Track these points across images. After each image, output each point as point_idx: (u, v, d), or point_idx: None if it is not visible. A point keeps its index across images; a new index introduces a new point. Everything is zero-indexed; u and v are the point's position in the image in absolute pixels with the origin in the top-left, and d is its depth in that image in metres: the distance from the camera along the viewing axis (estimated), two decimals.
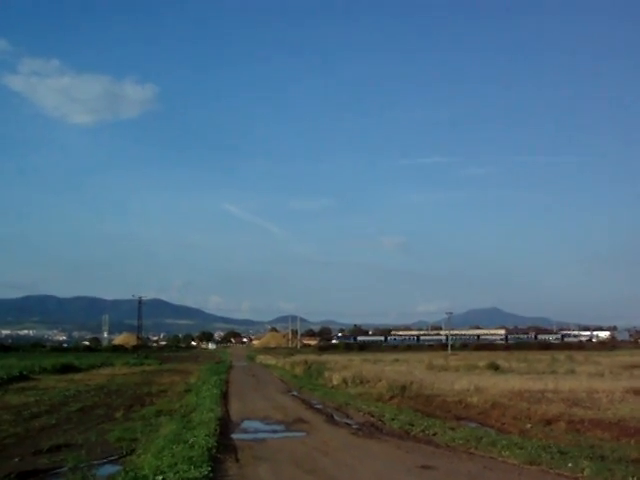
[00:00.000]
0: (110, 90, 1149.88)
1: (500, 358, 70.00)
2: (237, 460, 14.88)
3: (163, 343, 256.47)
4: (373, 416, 23.70)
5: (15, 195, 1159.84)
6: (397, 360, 70.63)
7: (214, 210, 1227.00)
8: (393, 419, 22.25)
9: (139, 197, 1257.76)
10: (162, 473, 12.09)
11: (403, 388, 32.72)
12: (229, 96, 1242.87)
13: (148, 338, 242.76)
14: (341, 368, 49.01)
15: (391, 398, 31.09)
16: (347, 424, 22.18)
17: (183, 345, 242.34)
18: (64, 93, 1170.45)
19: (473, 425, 22.37)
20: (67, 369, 60.07)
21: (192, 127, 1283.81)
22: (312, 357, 78.29)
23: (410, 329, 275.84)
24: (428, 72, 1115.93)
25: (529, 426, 21.51)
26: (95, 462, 14.89)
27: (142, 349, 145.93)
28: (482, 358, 72.08)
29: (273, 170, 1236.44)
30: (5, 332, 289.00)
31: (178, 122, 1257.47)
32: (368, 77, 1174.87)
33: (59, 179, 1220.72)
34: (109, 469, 14.16)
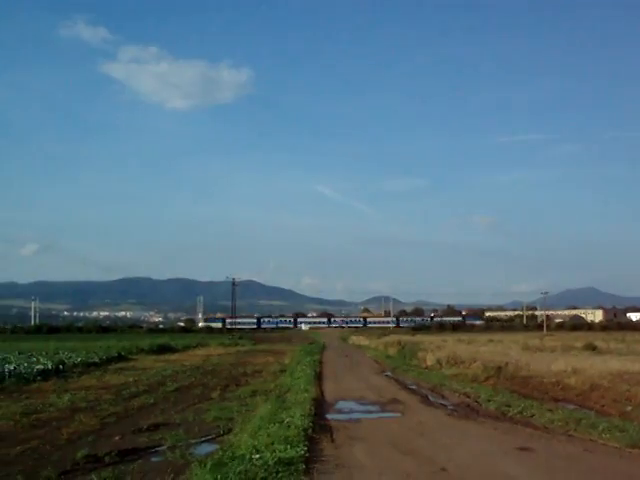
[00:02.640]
0: (206, 75, 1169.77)
1: (598, 339, 68.35)
2: (333, 440, 14.89)
3: None
4: (469, 397, 23.46)
5: (112, 180, 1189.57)
6: (491, 340, 69.69)
7: (307, 192, 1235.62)
8: (489, 400, 21.97)
9: (233, 180, 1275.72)
10: (259, 452, 12.16)
11: (498, 369, 32.31)
12: (321, 79, 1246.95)
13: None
14: (435, 349, 48.61)
15: (486, 379, 30.75)
16: (442, 405, 22.01)
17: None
18: (161, 79, 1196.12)
19: (571, 407, 21.92)
20: (163, 350, 61.20)
21: (285, 110, 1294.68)
22: (405, 338, 77.95)
23: (504, 309, 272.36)
24: (518, 49, 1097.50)
25: (630, 408, 20.94)
26: (193, 441, 15.07)
27: (236, 330, 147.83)
28: (578, 339, 70.57)
29: (365, 151, 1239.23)
30: (103, 314, 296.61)
31: (272, 105, 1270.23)
32: (458, 56, 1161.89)
33: (155, 163, 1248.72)
34: (207, 448, 14.31)
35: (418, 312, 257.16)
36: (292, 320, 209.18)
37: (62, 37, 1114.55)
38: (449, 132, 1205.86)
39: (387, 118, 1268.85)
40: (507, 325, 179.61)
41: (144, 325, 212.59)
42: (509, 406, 20.33)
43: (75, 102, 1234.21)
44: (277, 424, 15.54)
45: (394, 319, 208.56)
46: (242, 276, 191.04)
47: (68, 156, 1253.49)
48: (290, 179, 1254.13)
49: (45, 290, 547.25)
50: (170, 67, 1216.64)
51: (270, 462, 11.48)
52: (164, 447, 14.34)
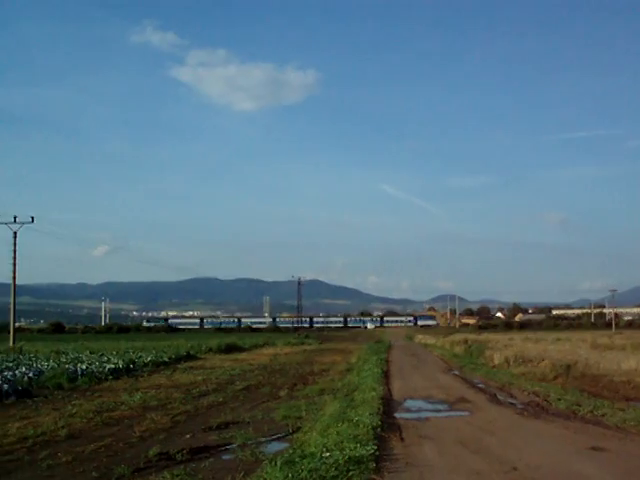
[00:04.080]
0: (273, 77, 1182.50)
1: None
2: (402, 439, 14.84)
3: None
4: (538, 396, 23.14)
5: (181, 181, 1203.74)
6: (559, 339, 68.77)
7: (372, 191, 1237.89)
8: (559, 399, 21.64)
9: (299, 180, 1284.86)
10: (329, 451, 12.18)
11: (567, 367, 31.83)
12: (386, 78, 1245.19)
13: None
14: (502, 347, 48.15)
15: (555, 378, 30.31)
16: (511, 404, 21.77)
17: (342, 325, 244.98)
18: (229, 82, 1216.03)
19: None
20: (231, 349, 61.72)
21: (350, 110, 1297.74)
22: (472, 336, 77.40)
23: (571, 307, 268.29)
24: (587, 44, 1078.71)
25: None
26: (262, 439, 15.17)
27: (302, 329, 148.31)
28: None
29: (429, 149, 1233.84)
30: (171, 313, 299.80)
31: (337, 106, 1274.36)
32: (521, 53, 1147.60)
33: (223, 164, 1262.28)
34: (276, 446, 14.39)
35: (484, 310, 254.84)
36: (342, 320, 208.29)
37: (132, 43, 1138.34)
38: (516, 128, 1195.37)
39: (452, 115, 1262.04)
40: (575, 323, 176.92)
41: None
42: (579, 405, 20.02)
43: (145, 106, 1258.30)
44: (346, 423, 15.55)
45: (412, 318, 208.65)
46: (307, 275, 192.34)
47: (138, 158, 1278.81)
48: (355, 178, 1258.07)
49: (115, 291, 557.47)
50: (238, 70, 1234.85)
51: (340, 460, 11.48)
52: (234, 445, 14.46)
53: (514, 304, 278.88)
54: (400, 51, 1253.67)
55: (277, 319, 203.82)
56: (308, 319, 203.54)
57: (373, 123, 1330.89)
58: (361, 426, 15.08)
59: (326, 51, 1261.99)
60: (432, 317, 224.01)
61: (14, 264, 67.86)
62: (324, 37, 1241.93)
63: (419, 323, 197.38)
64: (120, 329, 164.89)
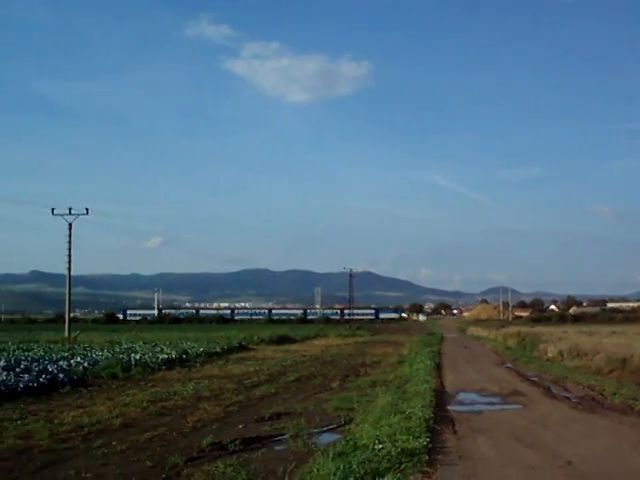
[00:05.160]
0: (326, 69, 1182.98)
1: None
2: (455, 432, 14.75)
3: None
4: (593, 390, 22.82)
5: (233, 173, 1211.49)
6: (614, 332, 67.72)
7: (423, 182, 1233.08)
8: (614, 393, 21.30)
9: (351, 171, 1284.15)
10: (381, 443, 12.11)
11: (623, 361, 31.29)
12: (438, 70, 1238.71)
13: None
14: (555, 340, 47.49)
15: (610, 372, 29.85)
16: (566, 397, 21.51)
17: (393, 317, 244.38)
18: (282, 74, 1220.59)
19: None
20: (283, 340, 61.93)
21: (403, 102, 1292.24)
22: (524, 329, 76.48)
23: (627, 300, 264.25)
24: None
25: None
26: (314, 430, 15.18)
27: (353, 320, 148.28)
28: None
29: (481, 141, 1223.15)
30: (223, 304, 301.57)
31: (390, 97, 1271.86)
32: (576, 43, 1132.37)
33: (275, 156, 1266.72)
34: (328, 437, 14.39)
35: (537, 303, 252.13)
36: (374, 312, 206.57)
37: (187, 36, 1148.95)
38: (567, 119, 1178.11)
39: (504, 107, 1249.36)
40: (630, 316, 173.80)
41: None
42: (635, 399, 19.66)
43: (199, 98, 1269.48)
44: (398, 415, 15.47)
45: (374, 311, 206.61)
46: (359, 267, 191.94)
47: (192, 151, 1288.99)
48: (407, 170, 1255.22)
49: (167, 282, 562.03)
50: (291, 62, 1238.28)
51: (393, 452, 11.42)
52: (286, 436, 14.48)
53: (568, 296, 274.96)
54: (452, 42, 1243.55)
55: (307, 311, 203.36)
56: (339, 311, 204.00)
57: (425, 115, 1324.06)
58: (413, 418, 14.99)
59: (379, 42, 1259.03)
60: (399, 310, 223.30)
61: (69, 255, 68.71)
62: (377, 28, 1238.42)
63: (381, 316, 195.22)
64: (173, 320, 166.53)
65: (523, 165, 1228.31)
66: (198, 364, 34.27)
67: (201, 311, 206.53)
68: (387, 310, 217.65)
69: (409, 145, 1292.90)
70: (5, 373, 24.93)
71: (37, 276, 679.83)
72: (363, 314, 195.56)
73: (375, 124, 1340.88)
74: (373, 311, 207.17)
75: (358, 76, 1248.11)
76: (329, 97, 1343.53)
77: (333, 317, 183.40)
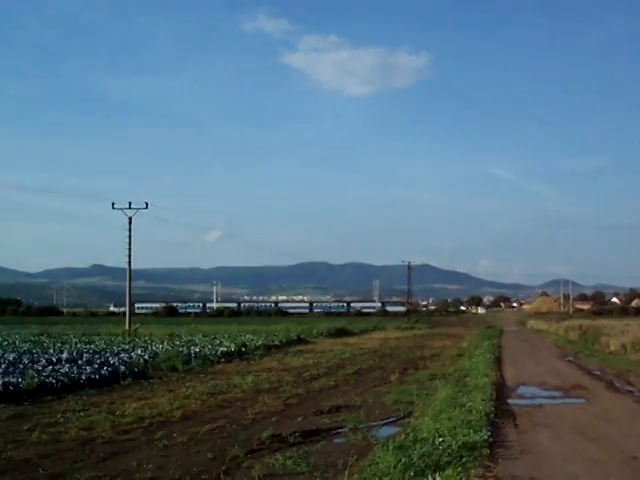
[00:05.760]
0: (384, 61, 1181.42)
1: None
2: (516, 425, 14.58)
3: (432, 307, 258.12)
4: None
5: (291, 166, 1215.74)
6: None
7: (482, 174, 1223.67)
8: None
9: (409, 164, 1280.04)
10: (441, 436, 12.02)
11: None
12: (497, 60, 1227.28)
13: (417, 302, 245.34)
14: (618, 333, 46.72)
15: None
16: (629, 391, 21.18)
17: (452, 310, 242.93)
18: (341, 66, 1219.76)
19: None
20: (341, 333, 61.95)
21: (462, 93, 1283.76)
22: (586, 322, 75.45)
23: None
24: None
25: None
26: (374, 423, 15.12)
27: (412, 313, 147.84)
28: None
29: (542, 131, 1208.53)
30: (281, 297, 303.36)
31: (449, 89, 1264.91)
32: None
33: (333, 149, 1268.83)
34: (388, 430, 14.33)
35: (598, 296, 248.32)
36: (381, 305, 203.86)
37: (245, 30, 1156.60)
38: (634, 108, 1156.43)
39: (565, 96, 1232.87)
40: None
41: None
42: None
43: (257, 92, 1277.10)
44: (458, 408, 15.36)
45: (380, 304, 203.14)
46: (417, 260, 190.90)
47: (250, 144, 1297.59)
48: (465, 161, 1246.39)
49: (226, 275, 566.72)
50: (349, 55, 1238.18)
51: (453, 446, 11.32)
52: (346, 429, 14.46)
53: (630, 289, 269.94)
54: (512, 31, 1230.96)
55: (313, 304, 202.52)
56: (345, 304, 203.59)
57: (484, 106, 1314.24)
58: (474, 412, 14.87)
59: (438, 34, 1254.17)
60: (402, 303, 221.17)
61: (129, 249, 69.45)
62: (436, 19, 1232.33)
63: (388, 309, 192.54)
64: (231, 313, 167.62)
65: (586, 155, 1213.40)
66: (257, 357, 34.45)
67: (246, 304, 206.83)
68: (394, 303, 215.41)
69: (468, 136, 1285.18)
70: (68, 365, 25.41)
71: (98, 270, 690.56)
72: (369, 307, 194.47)
73: (433, 115, 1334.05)
74: (380, 304, 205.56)
75: (417, 68, 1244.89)
76: (387, 89, 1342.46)
77: (337, 310, 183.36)
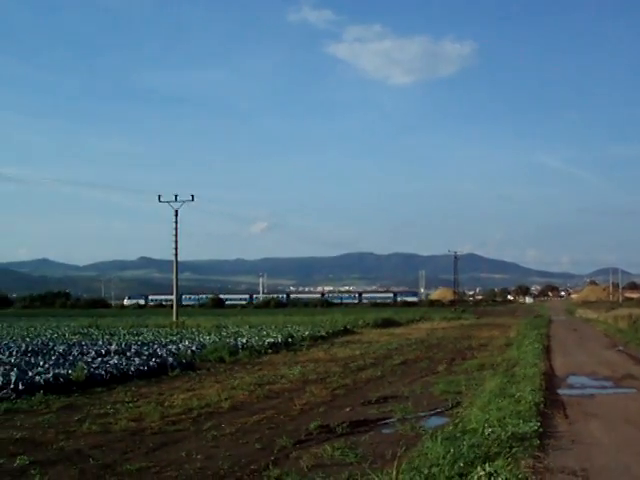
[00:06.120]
0: (429, 50, 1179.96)
1: None
2: (566, 416, 14.40)
3: (479, 297, 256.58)
4: None
5: (336, 157, 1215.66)
6: None
7: (529, 162, 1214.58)
8: None
9: (455, 152, 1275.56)
10: (491, 427, 11.92)
11: None
12: (543, 47, 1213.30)
13: (464, 292, 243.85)
14: None
15: None
16: None
17: (499, 299, 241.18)
18: (385, 56, 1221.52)
19: None
20: (388, 323, 61.78)
21: (508, 80, 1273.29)
22: (636, 311, 74.29)
23: None
24: None
25: None
26: (422, 414, 15.07)
27: (459, 303, 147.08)
28: None
29: (590, 118, 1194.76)
30: (327, 288, 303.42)
31: (494, 76, 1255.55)
32: None
33: (378, 138, 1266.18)
34: (436, 421, 14.26)
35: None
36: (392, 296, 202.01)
37: (290, 21, 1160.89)
38: None
39: (613, 81, 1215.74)
40: None
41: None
42: None
43: (302, 83, 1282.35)
44: (507, 398, 15.22)
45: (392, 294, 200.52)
46: (464, 249, 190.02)
47: (295, 135, 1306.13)
48: (512, 149, 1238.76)
49: (272, 266, 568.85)
50: (393, 44, 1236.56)
51: (503, 437, 11.22)
52: (394, 419, 14.42)
53: None
54: (558, 18, 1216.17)
55: (325, 295, 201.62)
56: (357, 295, 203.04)
57: (530, 93, 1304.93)
58: (523, 402, 14.72)
59: (483, 21, 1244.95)
60: (414, 293, 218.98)
61: (176, 241, 70.19)
62: (480, 6, 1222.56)
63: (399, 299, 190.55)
64: (277, 304, 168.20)
65: (634, 141, 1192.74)
66: (304, 348, 34.47)
67: (293, 295, 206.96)
68: (406, 293, 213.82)
69: (514, 124, 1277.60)
70: (117, 357, 25.73)
71: (145, 262, 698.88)
72: (382, 298, 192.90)
73: (479, 104, 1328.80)
74: (392, 294, 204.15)
75: (461, 56, 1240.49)
76: (432, 78, 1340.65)
77: (348, 301, 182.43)
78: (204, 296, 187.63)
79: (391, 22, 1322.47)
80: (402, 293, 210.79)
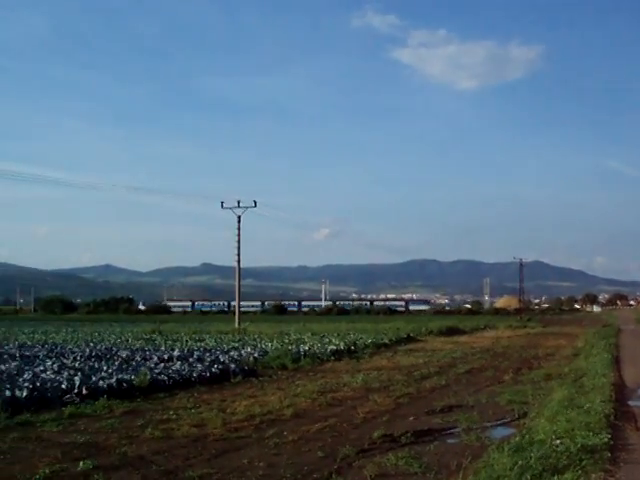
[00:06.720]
0: (495, 54, 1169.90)
1: None
2: (638, 428, 13.97)
3: (545, 306, 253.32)
4: None
5: (399, 163, 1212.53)
6: None
7: (598, 167, 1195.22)
8: None
9: (520, 158, 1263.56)
10: (559, 438, 11.60)
11: None
12: (612, 51, 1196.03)
13: (530, 301, 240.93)
14: None
15: None
16: None
17: (566, 308, 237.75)
18: (450, 61, 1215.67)
19: None
20: (451, 331, 61.24)
21: (575, 84, 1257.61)
22: None
23: None
24: None
25: None
26: (487, 424, 14.77)
27: (524, 312, 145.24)
28: None
29: None
30: (390, 296, 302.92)
31: (562, 81, 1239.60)
32: None
33: (443, 144, 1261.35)
34: (502, 431, 13.97)
35: None
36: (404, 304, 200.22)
37: (354, 27, 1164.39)
38: None
39: None
40: None
41: (430, 307, 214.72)
42: None
43: (366, 89, 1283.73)
44: (576, 409, 14.85)
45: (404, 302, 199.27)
46: (529, 257, 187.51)
47: (359, 141, 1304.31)
48: (580, 155, 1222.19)
49: (334, 273, 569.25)
50: (458, 49, 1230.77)
51: (572, 449, 10.90)
52: (459, 429, 14.16)
53: None
54: (626, 20, 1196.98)
55: (338, 303, 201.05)
56: (368, 302, 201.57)
57: (599, 96, 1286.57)
58: (592, 413, 14.34)
59: (550, 24, 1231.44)
60: (426, 301, 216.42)
61: (238, 248, 70.44)
62: (547, 10, 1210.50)
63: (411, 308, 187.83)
64: (340, 311, 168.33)
65: None
66: (366, 355, 34.22)
67: (350, 303, 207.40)
68: (418, 302, 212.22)
69: (583, 129, 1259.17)
70: (179, 363, 25.82)
71: (208, 269, 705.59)
72: (396, 305, 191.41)
73: (546, 109, 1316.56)
74: (403, 303, 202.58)
75: (528, 60, 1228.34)
76: (498, 83, 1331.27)
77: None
78: (265, 303, 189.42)
79: (456, 27, 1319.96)
80: (414, 301, 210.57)
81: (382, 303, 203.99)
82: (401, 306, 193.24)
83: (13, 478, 10.20)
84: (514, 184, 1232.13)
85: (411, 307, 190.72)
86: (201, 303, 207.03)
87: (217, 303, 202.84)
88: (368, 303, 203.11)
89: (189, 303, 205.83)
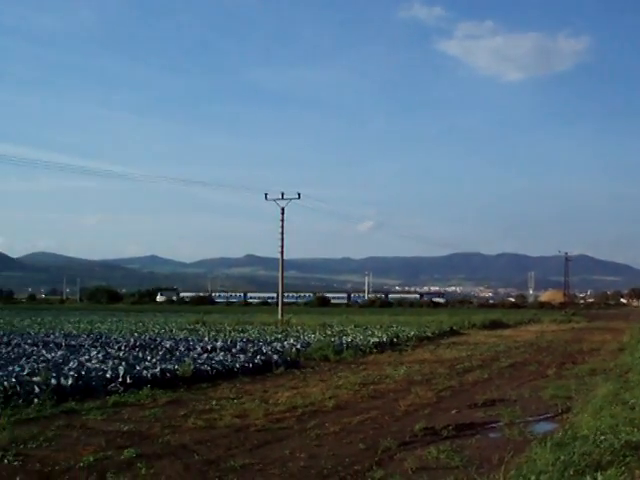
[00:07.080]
0: (542, 46, 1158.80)
1: None
2: None
3: (590, 300, 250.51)
4: None
5: (444, 155, 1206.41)
6: None
7: None
8: None
9: (566, 150, 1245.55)
10: (603, 434, 11.47)
11: None
12: None
13: (575, 295, 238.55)
14: None
15: None
16: None
17: (611, 302, 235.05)
18: (496, 53, 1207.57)
19: None
20: (495, 325, 60.90)
21: (623, 76, 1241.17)
22: None
23: None
24: None
25: None
26: (530, 418, 14.66)
27: (569, 306, 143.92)
28: None
29: None
30: (434, 288, 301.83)
31: (610, 72, 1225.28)
32: None
33: (489, 137, 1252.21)
34: (544, 426, 13.85)
35: None
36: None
37: (399, 19, 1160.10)
38: None
39: None
40: None
41: (474, 300, 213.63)
42: None
43: (411, 81, 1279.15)
44: (620, 405, 14.68)
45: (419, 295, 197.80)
46: (575, 250, 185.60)
47: (403, 134, 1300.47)
48: (626, 146, 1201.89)
49: (377, 265, 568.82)
50: (505, 40, 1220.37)
51: (616, 445, 10.76)
52: (501, 423, 14.06)
53: None
54: None
55: (352, 295, 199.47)
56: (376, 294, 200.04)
57: None
58: (637, 409, 14.16)
59: (598, 15, 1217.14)
60: (441, 294, 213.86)
61: (282, 239, 70.63)
62: (596, 2, 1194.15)
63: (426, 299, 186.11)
64: (383, 303, 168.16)
65: None
66: (409, 348, 34.16)
67: (391, 295, 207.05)
68: (433, 294, 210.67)
69: (630, 120, 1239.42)
70: (222, 353, 26.00)
71: (251, 260, 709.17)
72: (409, 298, 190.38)
73: (593, 100, 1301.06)
74: (418, 295, 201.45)
75: (576, 52, 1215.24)
76: (545, 75, 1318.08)
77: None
78: (307, 294, 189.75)
79: (503, 18, 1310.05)
80: (429, 294, 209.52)
81: (398, 296, 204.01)
82: (415, 298, 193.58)
83: (58, 465, 10.37)
84: (560, 176, 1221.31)
85: (426, 299, 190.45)
86: (251, 295, 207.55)
87: (303, 295, 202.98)
88: (383, 295, 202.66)
89: (240, 294, 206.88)
